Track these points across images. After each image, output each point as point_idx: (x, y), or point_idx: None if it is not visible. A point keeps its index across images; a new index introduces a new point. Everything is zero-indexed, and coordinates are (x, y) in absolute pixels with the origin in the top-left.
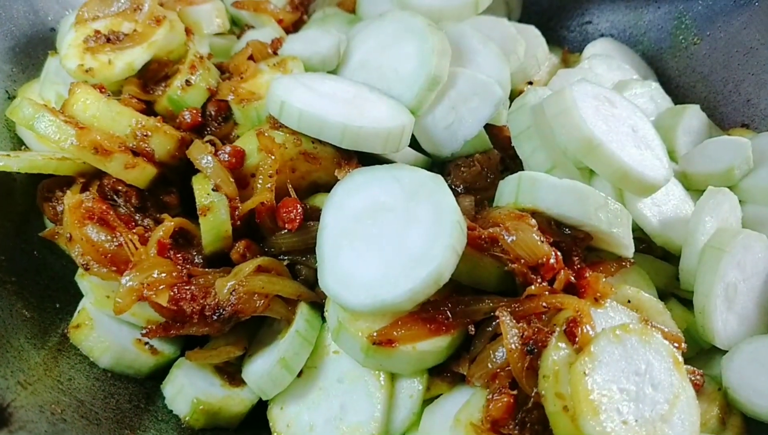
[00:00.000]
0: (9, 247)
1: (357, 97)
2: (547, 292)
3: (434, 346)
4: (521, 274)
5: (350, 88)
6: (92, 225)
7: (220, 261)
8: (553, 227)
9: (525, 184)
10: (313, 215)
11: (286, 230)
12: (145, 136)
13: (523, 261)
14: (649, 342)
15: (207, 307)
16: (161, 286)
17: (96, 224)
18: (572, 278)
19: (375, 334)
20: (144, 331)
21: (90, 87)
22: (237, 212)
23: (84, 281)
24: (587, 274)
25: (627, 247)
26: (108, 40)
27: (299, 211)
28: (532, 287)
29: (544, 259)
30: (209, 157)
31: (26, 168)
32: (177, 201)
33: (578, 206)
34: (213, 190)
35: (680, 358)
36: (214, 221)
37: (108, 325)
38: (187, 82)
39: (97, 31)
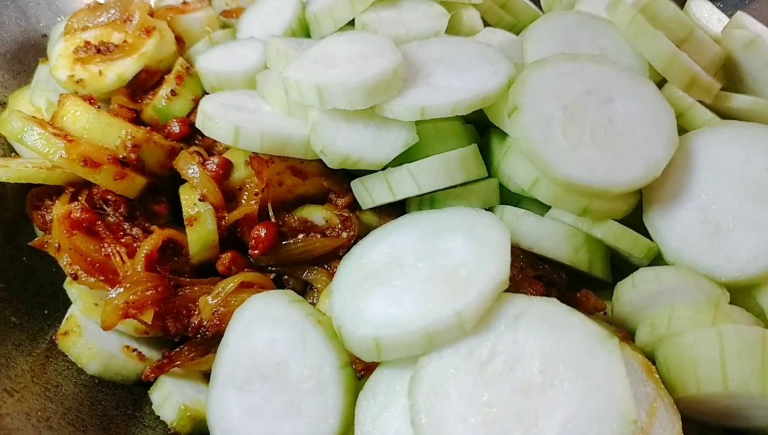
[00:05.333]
0: None
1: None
2: None
3: None
4: None
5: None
6: (81, 235)
7: (209, 269)
8: (532, 259)
9: (506, 221)
10: (299, 228)
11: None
12: (135, 147)
13: None
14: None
15: (190, 328)
16: (147, 303)
17: (84, 234)
18: None
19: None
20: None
21: (79, 99)
22: (223, 222)
23: (72, 289)
24: (578, 293)
25: (605, 278)
26: (98, 51)
27: (268, 236)
28: None
29: None
30: (195, 167)
31: (15, 178)
32: (166, 210)
33: (559, 246)
34: (200, 200)
35: (653, 367)
36: (201, 231)
37: (96, 332)
38: (173, 93)
39: (87, 42)
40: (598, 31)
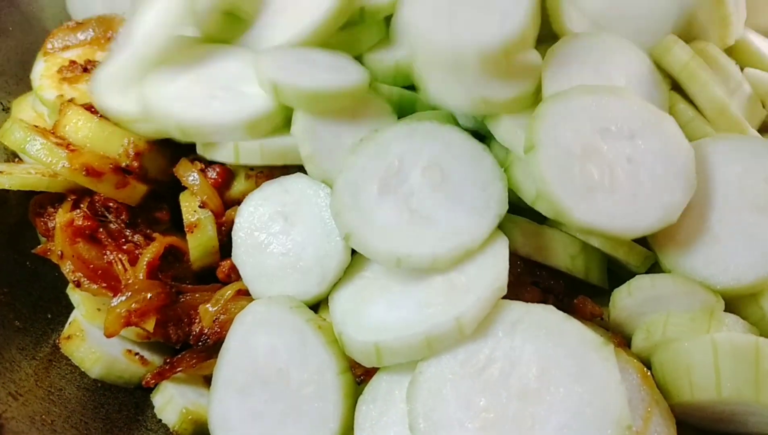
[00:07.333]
0: (1, 258)
1: None
2: None
3: None
4: None
5: None
6: (83, 243)
7: (211, 275)
8: (530, 266)
9: (505, 228)
10: None
11: None
12: (138, 154)
13: None
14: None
15: (192, 336)
16: (149, 311)
17: (87, 242)
18: None
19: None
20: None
21: (81, 108)
22: (224, 228)
23: (75, 294)
24: (575, 299)
25: (601, 285)
26: (85, 69)
27: None
28: None
29: None
30: (195, 175)
31: (18, 185)
32: (167, 216)
33: (556, 254)
34: (200, 207)
35: (648, 373)
36: (202, 238)
37: (99, 336)
38: None
39: (73, 61)
40: (624, 57)
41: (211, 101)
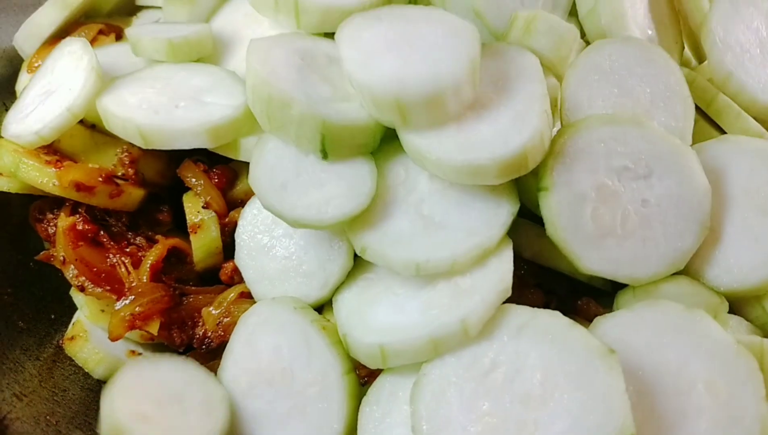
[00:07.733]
0: (5, 258)
1: None
2: None
3: None
4: None
5: None
6: (86, 246)
7: (214, 276)
8: (534, 268)
9: (509, 231)
10: None
11: None
12: (133, 162)
13: None
14: None
15: (195, 339)
16: (153, 314)
17: (89, 246)
18: None
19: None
20: None
21: None
22: (227, 229)
23: (78, 295)
24: (579, 301)
25: (604, 288)
26: None
27: None
28: None
29: None
30: (199, 176)
31: (17, 189)
32: (169, 218)
33: (559, 257)
34: (203, 207)
35: None
36: (205, 238)
37: (102, 337)
38: None
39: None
40: (652, 69)
41: (174, 110)
